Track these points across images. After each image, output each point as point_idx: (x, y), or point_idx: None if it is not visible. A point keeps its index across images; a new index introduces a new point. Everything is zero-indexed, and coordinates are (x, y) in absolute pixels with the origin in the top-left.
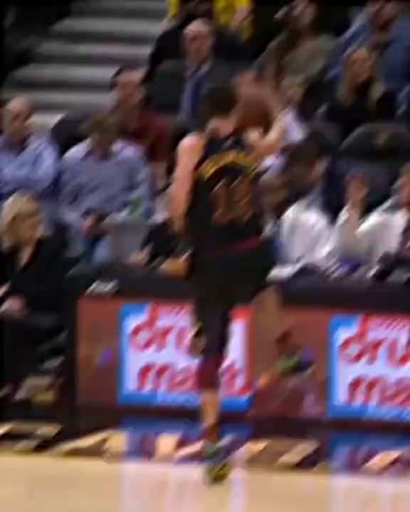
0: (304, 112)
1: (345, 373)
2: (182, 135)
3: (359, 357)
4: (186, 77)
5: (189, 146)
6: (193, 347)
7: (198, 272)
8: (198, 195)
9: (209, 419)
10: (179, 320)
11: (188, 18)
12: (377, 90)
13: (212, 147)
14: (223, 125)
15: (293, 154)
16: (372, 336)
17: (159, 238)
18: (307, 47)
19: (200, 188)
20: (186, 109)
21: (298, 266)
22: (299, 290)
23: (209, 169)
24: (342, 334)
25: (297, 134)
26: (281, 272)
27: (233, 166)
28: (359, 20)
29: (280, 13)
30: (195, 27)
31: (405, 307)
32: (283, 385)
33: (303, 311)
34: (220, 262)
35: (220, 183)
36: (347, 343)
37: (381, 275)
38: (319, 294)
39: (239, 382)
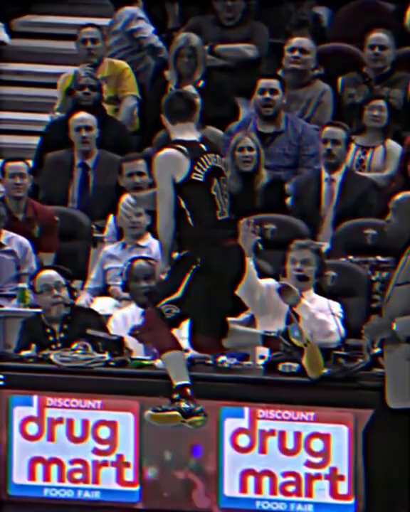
0: None
1: (236, 464)
2: (73, 225)
3: (249, 448)
4: (74, 167)
5: (168, 159)
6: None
7: (199, 279)
8: (197, 197)
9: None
10: (67, 412)
11: (75, 109)
12: (263, 180)
13: (193, 152)
14: (188, 131)
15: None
16: (262, 426)
17: (34, 328)
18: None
19: (197, 191)
20: (74, 199)
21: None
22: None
23: (200, 172)
24: (232, 425)
25: None
26: None
27: (217, 168)
28: (246, 111)
29: None
30: (82, 117)
31: (295, 398)
32: (174, 476)
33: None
34: (232, 253)
35: (214, 184)
36: (237, 434)
37: (271, 365)
38: (209, 384)
39: (129, 474)
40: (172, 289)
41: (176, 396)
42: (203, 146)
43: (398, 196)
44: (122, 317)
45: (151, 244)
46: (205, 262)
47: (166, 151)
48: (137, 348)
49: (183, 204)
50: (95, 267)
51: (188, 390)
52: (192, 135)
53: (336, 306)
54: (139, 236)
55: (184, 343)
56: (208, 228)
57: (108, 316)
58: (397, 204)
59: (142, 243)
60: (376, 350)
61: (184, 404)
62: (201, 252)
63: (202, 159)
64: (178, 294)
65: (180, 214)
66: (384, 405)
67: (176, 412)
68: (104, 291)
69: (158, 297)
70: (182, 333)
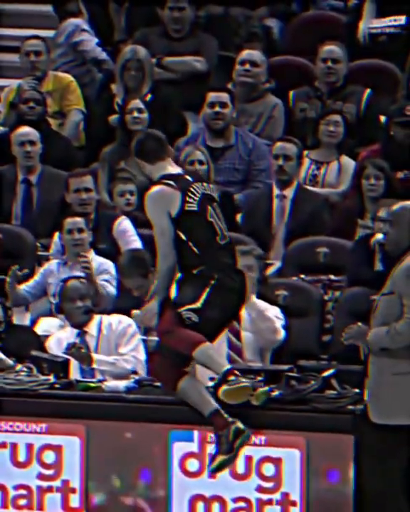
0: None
1: (185, 489)
2: (16, 243)
3: (199, 473)
4: (17, 182)
5: (160, 195)
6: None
7: (217, 294)
8: (195, 227)
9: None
10: (11, 436)
11: (19, 123)
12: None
13: (181, 184)
14: (169, 166)
15: (131, 263)
16: (212, 450)
17: None
18: None
19: (194, 221)
20: (17, 215)
21: (136, 378)
22: (135, 403)
23: (193, 202)
24: (181, 449)
25: (136, 243)
26: (117, 385)
27: (207, 194)
28: (194, 125)
29: (114, 119)
30: (25, 132)
31: (245, 421)
32: (121, 502)
33: (140, 425)
34: (237, 282)
35: (209, 211)
36: (186, 458)
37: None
38: (158, 407)
39: (75, 500)
40: (192, 298)
41: (232, 378)
42: (188, 177)
43: (394, 207)
44: (57, 341)
45: (93, 261)
46: (221, 280)
47: (156, 188)
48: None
49: (183, 236)
50: (35, 276)
51: (236, 371)
52: (174, 170)
53: (275, 310)
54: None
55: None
56: (216, 251)
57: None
58: (393, 215)
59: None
60: (329, 372)
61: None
62: (217, 271)
63: (191, 189)
64: (198, 304)
65: (181, 246)
66: (367, 420)
67: (247, 383)
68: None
69: (178, 303)
70: None
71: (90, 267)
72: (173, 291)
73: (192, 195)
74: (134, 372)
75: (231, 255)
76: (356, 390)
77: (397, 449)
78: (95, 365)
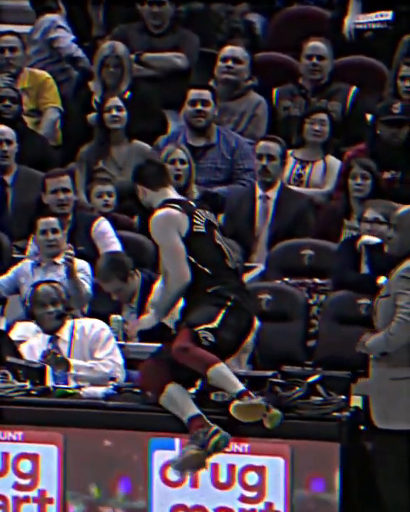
0: (120, 222)
1: (165, 499)
2: None
3: (180, 482)
4: None
5: (168, 217)
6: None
7: (233, 315)
8: (205, 248)
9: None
10: None
11: None
12: (193, 196)
13: (186, 208)
14: (172, 192)
15: (110, 266)
16: None
17: None
18: (121, 151)
19: (203, 243)
20: None
21: (114, 385)
22: (114, 410)
23: (200, 224)
24: (162, 457)
25: (115, 246)
26: (95, 391)
27: (210, 221)
28: (174, 124)
29: (92, 117)
30: (1, 130)
31: (228, 428)
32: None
33: (120, 433)
34: (250, 305)
35: (216, 235)
36: (167, 466)
37: (202, 394)
38: (137, 414)
39: (52, 510)
40: (208, 318)
41: (246, 398)
42: (192, 203)
43: (400, 211)
44: (29, 348)
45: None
46: (237, 302)
47: (163, 210)
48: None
49: (192, 258)
50: (8, 273)
51: (251, 393)
52: (176, 196)
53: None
54: (55, 254)
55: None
56: (226, 272)
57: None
58: (398, 219)
59: (57, 260)
60: (314, 378)
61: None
62: (232, 292)
63: (196, 213)
64: (215, 324)
65: (192, 267)
66: (371, 425)
67: (261, 401)
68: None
69: (194, 322)
70: None
71: (73, 262)
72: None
73: (198, 218)
74: (112, 379)
75: (240, 279)
76: (343, 397)
77: (398, 453)
78: (72, 371)
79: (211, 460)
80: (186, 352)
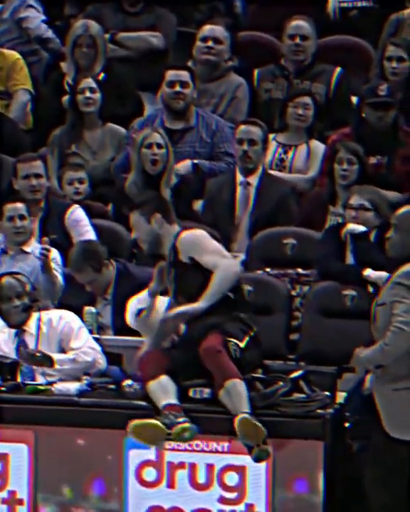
0: (94, 210)
1: (141, 501)
2: None
3: (156, 483)
4: None
5: (201, 233)
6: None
7: (252, 346)
8: None
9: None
10: None
11: None
12: (171, 182)
13: (212, 234)
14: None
15: (84, 255)
16: (171, 458)
17: None
18: (95, 135)
19: None
20: None
21: (88, 381)
22: (88, 408)
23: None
24: (137, 457)
25: (90, 234)
26: (67, 388)
27: None
28: (150, 107)
29: (65, 100)
30: None
31: (207, 426)
32: None
33: (93, 431)
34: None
35: None
36: (142, 466)
37: (180, 390)
38: (111, 412)
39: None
40: (239, 335)
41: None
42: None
43: (400, 211)
44: None
45: (36, 250)
46: (257, 335)
47: (194, 230)
48: None
49: None
50: None
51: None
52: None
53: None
54: (23, 242)
55: None
56: (245, 302)
57: None
58: (398, 219)
59: (26, 248)
60: (297, 374)
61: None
62: (253, 324)
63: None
64: (242, 344)
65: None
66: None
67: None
68: None
69: (229, 332)
70: None
71: (48, 256)
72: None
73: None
74: (87, 374)
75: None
76: (327, 393)
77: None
78: (56, 366)
79: (190, 460)
80: (216, 354)
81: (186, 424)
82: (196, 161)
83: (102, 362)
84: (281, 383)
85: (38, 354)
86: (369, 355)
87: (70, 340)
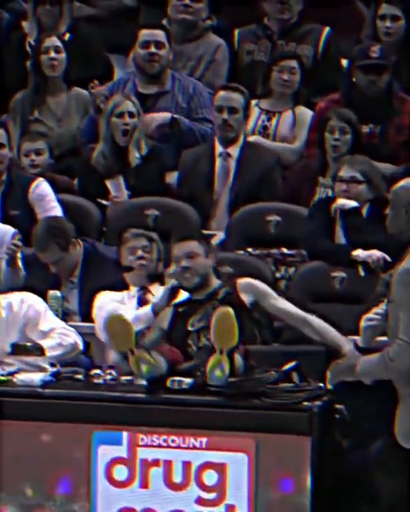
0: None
1: (111, 502)
2: None
3: (128, 482)
4: None
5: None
6: None
7: None
8: None
9: None
10: None
11: None
12: (142, 150)
13: None
14: None
15: (49, 232)
16: (144, 455)
17: None
18: (60, 100)
19: None
20: None
21: (53, 370)
22: (53, 399)
23: None
24: (108, 454)
25: (56, 210)
26: (31, 378)
27: None
28: (120, 70)
29: (29, 63)
30: None
31: (184, 420)
32: None
33: (59, 426)
34: None
35: None
36: (113, 464)
37: (156, 381)
38: (80, 405)
39: None
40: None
41: None
42: None
43: (397, 186)
44: None
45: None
46: None
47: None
48: None
49: None
50: None
51: None
52: None
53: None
54: None
55: None
56: None
57: None
58: (395, 194)
59: None
60: (289, 365)
61: None
62: None
63: None
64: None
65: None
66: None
67: None
68: None
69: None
70: None
71: (17, 252)
72: None
73: None
74: (53, 365)
75: None
76: (320, 384)
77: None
78: (47, 354)
79: (165, 457)
80: None
81: (151, 362)
82: (176, 116)
83: (80, 343)
84: (274, 372)
85: (28, 344)
86: (368, 368)
87: (37, 323)
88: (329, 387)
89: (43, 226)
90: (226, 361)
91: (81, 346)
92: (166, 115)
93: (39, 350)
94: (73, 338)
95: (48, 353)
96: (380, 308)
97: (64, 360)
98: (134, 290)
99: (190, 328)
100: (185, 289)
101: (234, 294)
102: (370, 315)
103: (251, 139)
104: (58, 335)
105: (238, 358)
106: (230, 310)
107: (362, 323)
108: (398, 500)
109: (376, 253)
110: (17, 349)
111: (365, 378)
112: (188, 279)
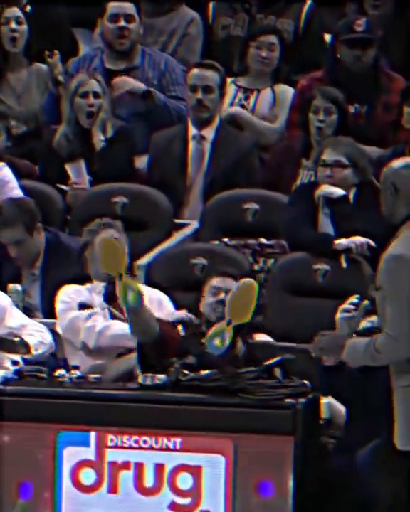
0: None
1: (77, 508)
2: None
3: (96, 486)
4: None
5: None
6: None
7: None
8: None
9: None
10: None
11: None
12: (107, 133)
13: None
14: None
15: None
16: (113, 457)
17: None
18: (20, 76)
19: None
20: None
21: (15, 368)
22: (15, 397)
23: None
24: (74, 456)
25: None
26: None
27: None
28: (85, 45)
29: None
30: None
31: (157, 420)
32: None
33: (21, 426)
34: None
35: None
36: (79, 467)
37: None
38: (43, 402)
39: None
40: None
41: None
42: None
43: (387, 167)
44: None
45: None
46: None
47: None
48: None
49: None
50: None
51: None
52: None
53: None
54: None
55: None
56: None
57: None
58: (383, 175)
59: None
60: (272, 361)
61: None
62: None
63: None
64: None
65: None
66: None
67: None
68: None
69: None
70: None
71: None
72: None
73: None
74: (15, 363)
75: None
76: (306, 382)
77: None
78: (33, 352)
79: (136, 460)
80: None
81: (139, 290)
82: (151, 89)
83: (49, 338)
84: (254, 367)
85: (16, 340)
86: (354, 354)
87: (3, 319)
88: (313, 355)
89: (10, 203)
90: (230, 333)
91: (52, 344)
92: (140, 85)
93: (26, 347)
94: (49, 336)
95: (33, 351)
96: (354, 298)
97: (43, 359)
98: (99, 285)
99: None
100: (207, 323)
101: None
102: (345, 306)
103: (232, 110)
104: (37, 332)
105: (240, 343)
106: (255, 283)
107: (337, 315)
108: (393, 506)
109: (359, 239)
110: (3, 344)
111: (352, 363)
112: (218, 313)
